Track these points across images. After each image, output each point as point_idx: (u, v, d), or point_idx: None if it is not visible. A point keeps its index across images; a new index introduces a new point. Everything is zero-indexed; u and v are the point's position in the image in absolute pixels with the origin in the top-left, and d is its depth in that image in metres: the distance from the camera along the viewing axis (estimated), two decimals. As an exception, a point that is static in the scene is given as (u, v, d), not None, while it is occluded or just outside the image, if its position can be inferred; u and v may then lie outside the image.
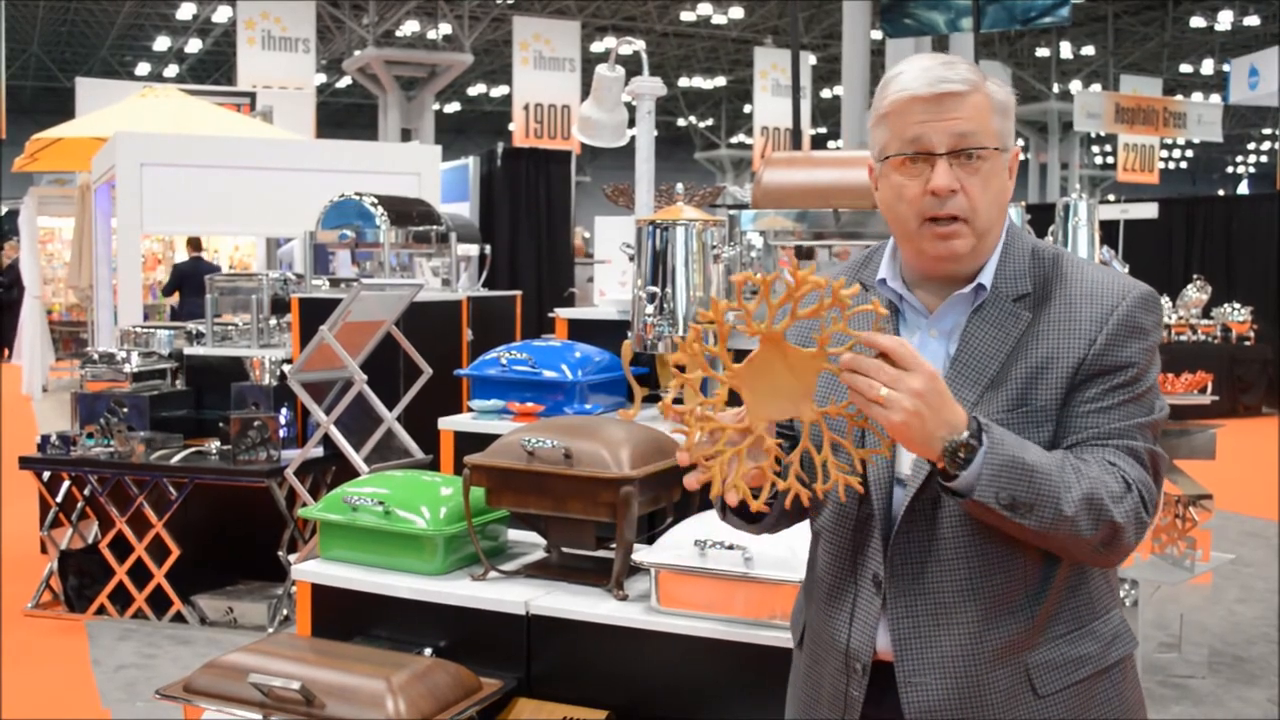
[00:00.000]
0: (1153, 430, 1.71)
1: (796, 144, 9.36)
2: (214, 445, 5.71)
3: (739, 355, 1.68)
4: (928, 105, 1.68)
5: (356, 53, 24.20)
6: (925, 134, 1.68)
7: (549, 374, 3.59)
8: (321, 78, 27.86)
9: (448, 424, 3.64)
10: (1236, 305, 13.51)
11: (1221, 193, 39.64)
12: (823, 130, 34.58)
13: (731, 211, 4.26)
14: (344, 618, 2.82)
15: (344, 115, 35.34)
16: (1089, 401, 1.68)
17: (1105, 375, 1.68)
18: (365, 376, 4.74)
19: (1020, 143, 31.83)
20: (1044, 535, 1.62)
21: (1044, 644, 1.71)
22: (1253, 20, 26.21)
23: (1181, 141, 34.06)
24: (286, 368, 5.25)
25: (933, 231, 1.70)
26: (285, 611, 5.61)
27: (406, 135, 22.78)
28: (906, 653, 1.73)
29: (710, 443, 1.59)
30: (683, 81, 32.94)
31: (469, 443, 3.33)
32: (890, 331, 1.77)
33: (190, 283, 12.41)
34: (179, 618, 5.65)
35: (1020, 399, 1.69)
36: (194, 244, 13.06)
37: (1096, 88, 29.10)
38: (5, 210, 19.01)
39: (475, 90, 34.48)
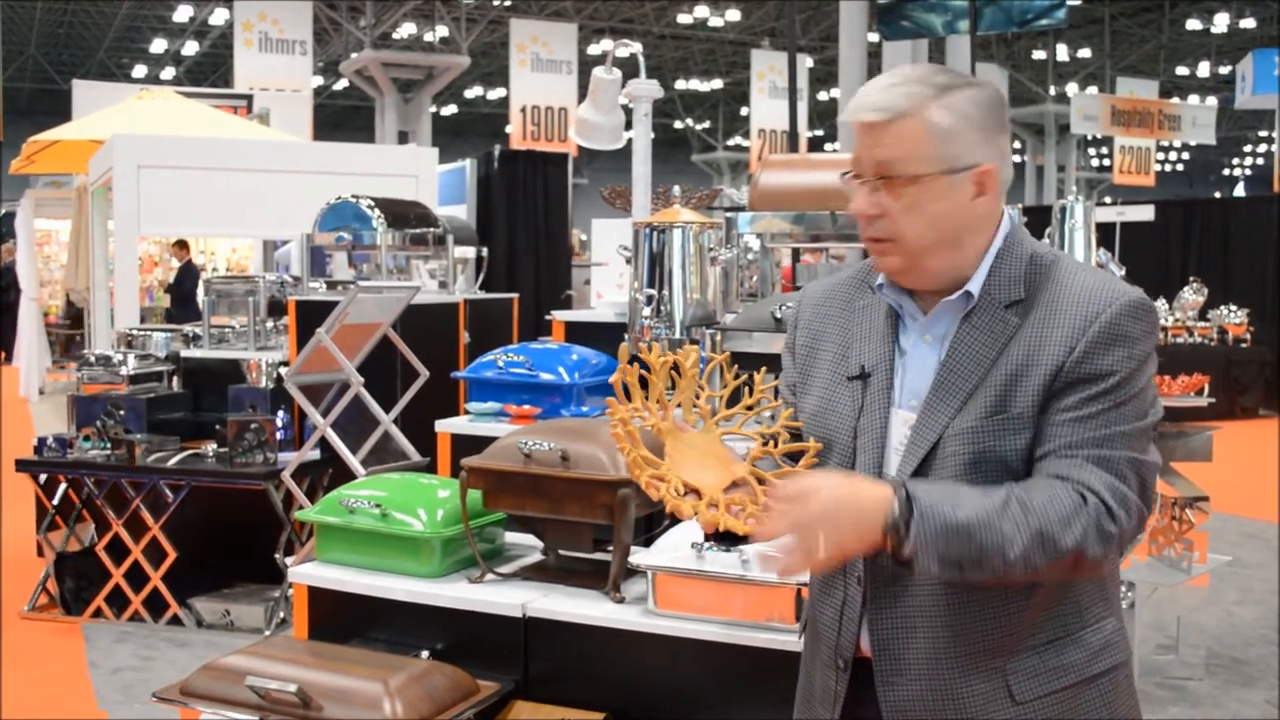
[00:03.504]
0: (1139, 437, 1.67)
1: (793, 146, 9.36)
2: (211, 448, 5.70)
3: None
4: (859, 130, 1.73)
5: (353, 55, 24.20)
6: (858, 157, 1.74)
7: (546, 376, 3.59)
8: (318, 80, 27.84)
9: (445, 426, 3.63)
10: (1233, 307, 13.51)
11: (1218, 195, 39.65)
12: (820, 133, 34.59)
13: (728, 214, 4.26)
14: (341, 620, 2.82)
15: (341, 117, 35.33)
16: (1065, 410, 1.66)
17: (1084, 384, 1.66)
18: (362, 379, 4.74)
19: (1016, 145, 31.96)
20: (1004, 580, 1.64)
21: (1024, 651, 1.71)
22: (1249, 23, 26.25)
23: (1178, 144, 34.10)
24: (283, 370, 5.25)
25: (870, 246, 1.76)
26: (282, 614, 5.60)
27: (404, 137, 22.78)
28: (884, 651, 1.75)
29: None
30: (680, 84, 32.95)
31: (466, 445, 3.33)
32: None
33: (190, 284, 12.43)
34: (176, 620, 5.64)
35: (998, 406, 1.69)
36: (183, 245, 13.07)
37: (1093, 90, 29.14)
38: (2, 212, 19.00)
39: (472, 92, 34.48)
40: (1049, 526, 1.59)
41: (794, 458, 1.74)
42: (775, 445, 1.74)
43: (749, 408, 1.76)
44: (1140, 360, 1.68)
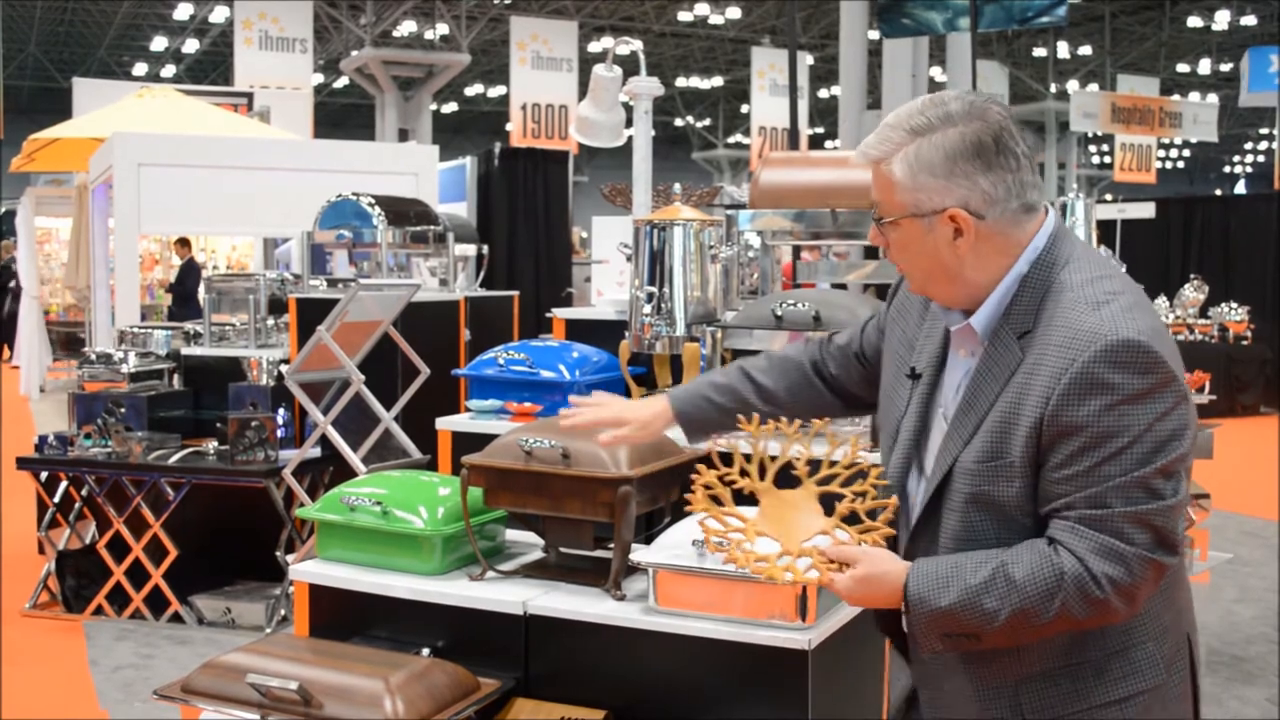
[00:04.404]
0: (1140, 486, 1.64)
1: (794, 144, 9.36)
2: (211, 445, 5.71)
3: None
4: None
5: (354, 53, 24.17)
6: None
7: (547, 374, 3.59)
8: (319, 78, 27.82)
9: (445, 424, 3.63)
10: (1234, 305, 13.50)
11: (1219, 192, 39.64)
12: (820, 130, 34.57)
13: (729, 211, 4.26)
14: (342, 618, 2.82)
15: (341, 115, 35.31)
16: (1056, 467, 1.68)
17: (1064, 438, 1.66)
18: (363, 377, 4.74)
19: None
20: (1014, 643, 1.73)
21: (1036, 677, 1.76)
22: (1250, 20, 26.22)
23: (1179, 141, 34.07)
24: (284, 368, 5.25)
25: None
26: (283, 612, 5.60)
27: (404, 135, 22.75)
28: (914, 655, 1.86)
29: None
30: (680, 81, 32.93)
31: (467, 443, 3.32)
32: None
33: (192, 282, 12.42)
34: (177, 618, 5.65)
35: (994, 452, 1.73)
36: (184, 243, 13.06)
37: (1094, 87, 29.10)
38: (3, 210, 19.00)
39: (472, 90, 34.46)
40: (1030, 601, 1.66)
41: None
42: (863, 501, 1.86)
43: (847, 467, 1.88)
44: (1126, 407, 1.63)
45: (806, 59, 23.72)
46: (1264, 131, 38.45)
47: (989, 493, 1.73)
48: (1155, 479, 1.64)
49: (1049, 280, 1.74)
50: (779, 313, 3.33)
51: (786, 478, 1.95)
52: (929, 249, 1.76)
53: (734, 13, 25.78)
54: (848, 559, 1.78)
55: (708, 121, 38.48)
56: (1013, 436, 1.70)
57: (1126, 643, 1.74)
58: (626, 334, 3.55)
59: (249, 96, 15.27)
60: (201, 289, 7.10)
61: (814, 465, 1.92)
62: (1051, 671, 1.74)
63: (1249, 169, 46.97)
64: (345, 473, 4.46)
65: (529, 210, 11.97)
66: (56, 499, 5.87)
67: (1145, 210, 12.90)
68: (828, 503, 1.90)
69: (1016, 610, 1.66)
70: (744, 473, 1.93)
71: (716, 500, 1.93)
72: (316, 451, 5.34)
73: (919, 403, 1.87)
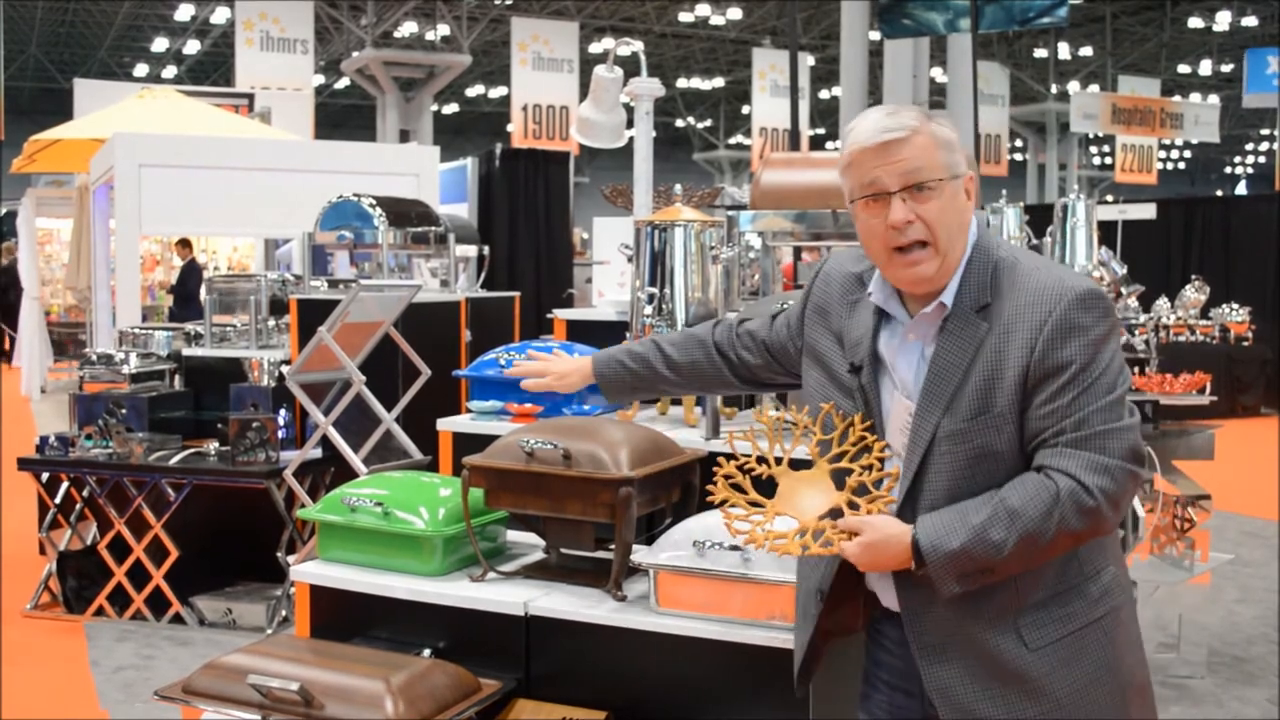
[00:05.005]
0: (1111, 409, 1.89)
1: (795, 145, 9.36)
2: (212, 446, 5.71)
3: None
4: (877, 153, 1.95)
5: (355, 54, 24.19)
6: (878, 177, 1.95)
7: (548, 375, 3.58)
8: (320, 79, 27.82)
9: (446, 425, 3.63)
10: (1235, 306, 13.48)
11: (1220, 193, 39.60)
12: (821, 131, 34.57)
13: (730, 212, 4.26)
14: (343, 619, 2.82)
15: (342, 116, 35.32)
16: (1042, 404, 1.90)
17: (1051, 377, 1.89)
18: (364, 377, 4.74)
19: (1018, 142, 31.92)
20: (1027, 568, 1.91)
21: (1031, 607, 1.94)
22: (1250, 21, 26.22)
23: (1180, 142, 34.05)
24: (285, 369, 5.25)
25: (901, 260, 1.96)
26: (284, 612, 5.60)
27: (405, 136, 22.76)
28: (909, 606, 2.00)
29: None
30: (681, 82, 32.93)
31: (468, 443, 3.33)
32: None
33: (193, 283, 12.42)
34: (178, 619, 5.65)
35: (980, 408, 1.92)
36: (186, 244, 13.06)
37: (1094, 88, 29.10)
38: (4, 211, 19.00)
39: (473, 91, 34.47)
40: (1031, 523, 1.85)
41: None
42: (870, 473, 2.00)
43: (854, 443, 2.02)
44: (1097, 344, 1.90)
45: (807, 60, 23.74)
46: (1265, 132, 38.44)
47: (985, 446, 1.92)
48: (1120, 404, 1.91)
49: (991, 260, 1.98)
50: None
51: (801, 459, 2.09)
52: (955, 211, 1.96)
53: (735, 13, 25.79)
54: (854, 529, 1.95)
55: (709, 122, 38.49)
56: (997, 391, 1.91)
57: (1098, 566, 1.97)
58: (627, 335, 3.55)
59: (250, 97, 15.26)
60: (203, 290, 7.10)
61: (824, 445, 2.05)
62: (1044, 600, 1.93)
63: (1250, 170, 46.94)
64: (346, 474, 4.46)
65: (530, 211, 11.98)
66: (57, 500, 5.87)
67: (1146, 211, 12.87)
68: (840, 479, 2.03)
69: (1021, 535, 1.85)
70: (761, 459, 2.07)
71: (738, 488, 2.06)
72: (317, 452, 5.34)
73: (870, 390, 2.04)
